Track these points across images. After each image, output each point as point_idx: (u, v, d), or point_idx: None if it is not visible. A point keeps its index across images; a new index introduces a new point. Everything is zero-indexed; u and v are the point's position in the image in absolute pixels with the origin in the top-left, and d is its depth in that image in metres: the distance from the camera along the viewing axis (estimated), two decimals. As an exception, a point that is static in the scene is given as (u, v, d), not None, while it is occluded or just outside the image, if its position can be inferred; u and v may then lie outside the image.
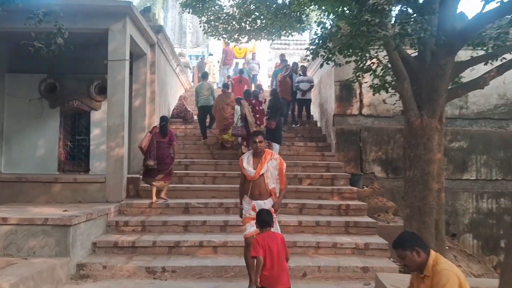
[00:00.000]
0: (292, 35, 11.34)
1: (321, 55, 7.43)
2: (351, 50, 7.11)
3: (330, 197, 8.43)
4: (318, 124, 12.49)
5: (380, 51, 7.52)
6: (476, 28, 6.35)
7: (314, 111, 12.81)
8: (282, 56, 13.45)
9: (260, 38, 11.05)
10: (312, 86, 11.99)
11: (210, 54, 21.63)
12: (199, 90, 11.46)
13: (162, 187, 8.21)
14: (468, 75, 7.18)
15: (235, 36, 10.86)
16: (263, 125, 9.83)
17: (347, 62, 7.36)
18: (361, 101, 10.42)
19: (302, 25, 11.04)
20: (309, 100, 12.15)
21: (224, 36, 10.94)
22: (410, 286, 3.48)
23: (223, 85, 11.21)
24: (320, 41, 7.30)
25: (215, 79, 18.39)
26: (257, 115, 9.84)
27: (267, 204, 5.19)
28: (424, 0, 6.42)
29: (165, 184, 8.23)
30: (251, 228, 5.14)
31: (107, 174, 8.17)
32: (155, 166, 8.05)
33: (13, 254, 5.92)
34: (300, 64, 12.85)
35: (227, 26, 10.65)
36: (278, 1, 10.46)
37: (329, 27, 7.43)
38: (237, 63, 18.97)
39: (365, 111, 10.41)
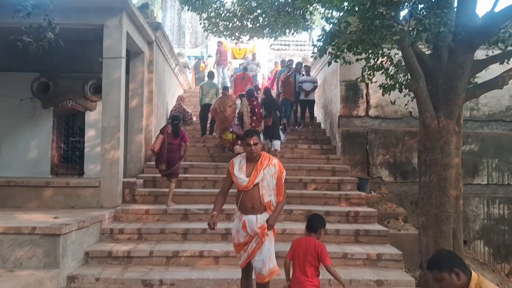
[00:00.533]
0: (296, 33, 10.90)
1: (329, 53, 7.00)
2: (360, 47, 6.67)
3: (337, 203, 7.98)
4: (322, 126, 12.06)
5: (390, 49, 7.14)
6: (500, 22, 5.91)
7: (318, 112, 12.38)
8: (283, 62, 12.98)
9: (262, 36, 10.61)
10: (315, 87, 11.57)
11: (210, 56, 21.22)
12: (205, 88, 11.45)
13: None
14: (480, 74, 6.78)
15: (237, 34, 10.43)
16: (258, 128, 9.44)
17: (357, 60, 6.93)
18: (367, 102, 10.00)
19: (306, 23, 10.59)
20: (313, 101, 11.72)
21: (225, 33, 10.50)
22: None
23: (223, 87, 10.77)
24: (328, 38, 6.86)
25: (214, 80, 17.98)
26: (254, 117, 9.51)
27: (260, 220, 4.34)
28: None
29: (172, 184, 7.89)
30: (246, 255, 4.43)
31: (102, 178, 7.72)
32: (167, 169, 7.89)
33: (-2, 265, 5.47)
34: (303, 64, 12.41)
35: (228, 23, 10.21)
36: (281, -2, 10.05)
37: (336, 22, 7.00)
38: (240, 64, 18.44)
39: (372, 112, 9.98)
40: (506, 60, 6.52)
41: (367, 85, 9.95)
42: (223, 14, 10.03)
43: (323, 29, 6.89)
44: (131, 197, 8.00)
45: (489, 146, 9.89)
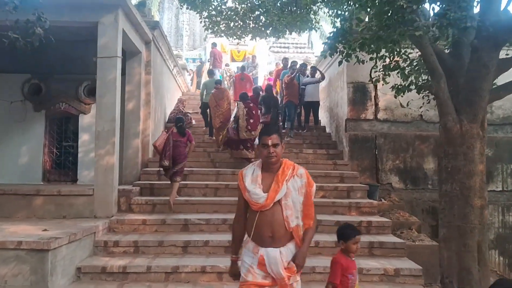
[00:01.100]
0: (302, 32, 10.44)
1: (340, 51, 6.53)
2: (374, 45, 6.19)
3: (347, 211, 7.48)
4: (327, 130, 11.57)
5: (406, 47, 6.67)
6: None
7: (322, 115, 11.89)
8: (285, 60, 12.49)
9: (265, 36, 10.14)
10: (318, 81, 10.98)
11: (209, 60, 20.69)
12: (208, 85, 11.41)
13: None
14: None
15: (238, 34, 9.95)
16: (255, 131, 9.03)
17: (371, 59, 6.44)
18: (376, 104, 9.52)
19: (310, 23, 10.13)
20: (317, 103, 11.22)
21: (227, 33, 10.01)
22: None
23: (216, 81, 10.32)
24: (339, 35, 6.39)
25: None
26: (251, 120, 9.09)
27: (285, 255, 3.16)
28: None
29: (176, 184, 7.63)
30: None
31: (96, 185, 7.20)
32: (171, 166, 7.59)
33: (-21, 284, 4.95)
34: (311, 65, 11.90)
35: (229, 22, 9.73)
36: (284, -4, 9.58)
37: (348, 18, 6.53)
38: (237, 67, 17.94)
39: (380, 115, 9.50)
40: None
41: (375, 87, 9.49)
42: (224, 13, 9.54)
43: (334, 25, 6.41)
44: (127, 206, 7.49)
45: (503, 150, 9.44)
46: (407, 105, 7.79)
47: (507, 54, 6.12)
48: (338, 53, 6.62)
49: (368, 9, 5.97)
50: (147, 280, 5.62)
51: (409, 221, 7.88)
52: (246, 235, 3.30)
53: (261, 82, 16.76)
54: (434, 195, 9.22)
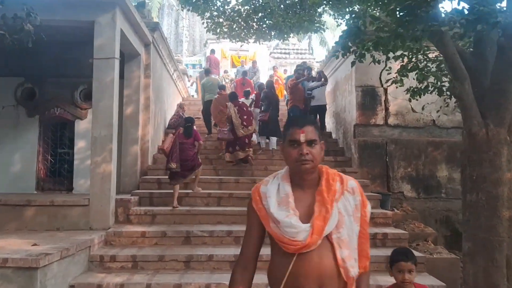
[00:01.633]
0: (309, 34, 10.04)
1: (353, 51, 6.11)
2: (391, 44, 5.77)
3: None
4: (333, 136, 11.13)
5: (423, 47, 6.25)
6: None
7: (328, 121, 11.44)
8: (298, 67, 12.06)
9: (269, 38, 9.73)
10: (323, 84, 10.55)
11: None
12: (206, 84, 11.46)
13: (193, 180, 7.78)
14: None
15: (242, 36, 9.54)
16: (251, 126, 8.93)
17: (387, 59, 6.02)
18: (386, 109, 9.09)
19: (317, 23, 9.73)
20: (325, 107, 10.77)
21: (230, 34, 9.60)
22: None
23: (219, 87, 9.88)
24: (353, 34, 5.98)
25: None
26: (244, 117, 8.85)
27: None
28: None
29: (197, 173, 7.70)
30: None
31: (91, 195, 6.75)
32: (178, 169, 7.36)
33: (-39, 306, 4.49)
34: (315, 70, 11.47)
35: (232, 23, 9.32)
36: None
37: (360, 12, 6.12)
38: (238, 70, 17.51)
39: (391, 120, 9.07)
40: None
41: (385, 90, 9.08)
42: (227, 13, 9.13)
43: (347, 23, 6.01)
44: (124, 217, 7.02)
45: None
46: (422, 109, 7.36)
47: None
48: (346, 55, 6.21)
49: (385, 5, 5.54)
50: (146, 299, 5.15)
51: (425, 232, 7.43)
52: None
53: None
54: (448, 204, 8.80)
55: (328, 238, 1.97)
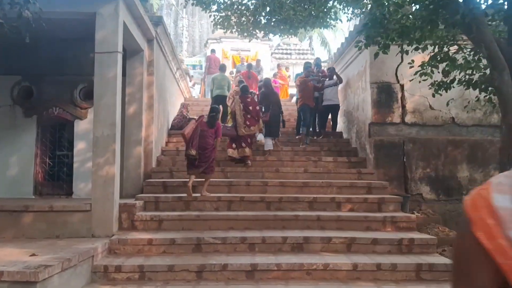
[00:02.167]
0: (320, 28, 9.60)
1: (377, 42, 5.66)
2: (418, 33, 5.33)
3: (382, 227, 6.56)
4: (345, 136, 10.67)
5: (450, 38, 5.81)
6: None
7: (339, 120, 10.96)
8: (306, 64, 11.59)
9: (278, 33, 9.27)
10: (337, 84, 10.09)
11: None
12: (216, 79, 11.15)
13: (203, 181, 7.32)
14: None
15: (250, 29, 9.08)
16: (254, 127, 8.60)
17: (416, 49, 5.56)
18: (403, 106, 8.63)
19: (331, 15, 9.28)
20: (337, 106, 10.30)
21: (238, 29, 9.14)
22: None
23: (242, 88, 9.31)
24: (377, 24, 5.52)
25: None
26: (249, 116, 8.47)
27: None
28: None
29: (207, 177, 7.28)
30: None
31: (93, 200, 6.27)
32: (197, 156, 7.06)
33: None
34: (328, 67, 10.99)
35: (240, 16, 8.86)
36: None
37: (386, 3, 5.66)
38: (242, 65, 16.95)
39: (408, 118, 8.61)
40: None
41: (402, 87, 8.63)
42: (235, 6, 8.66)
43: (370, 11, 5.56)
44: (129, 223, 6.54)
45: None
46: (447, 105, 6.88)
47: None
48: (375, 44, 5.76)
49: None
50: (156, 314, 4.67)
51: (450, 236, 6.95)
52: None
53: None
54: (469, 206, 8.31)
55: None
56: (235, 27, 9.13)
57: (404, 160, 8.37)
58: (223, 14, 9.04)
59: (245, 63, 16.05)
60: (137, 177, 8.00)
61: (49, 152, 8.73)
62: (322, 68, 11.40)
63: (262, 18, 8.96)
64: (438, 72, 6.19)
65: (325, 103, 10.18)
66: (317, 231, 6.32)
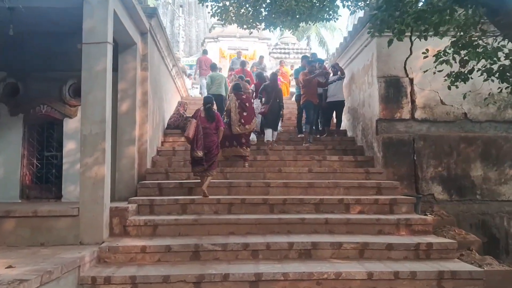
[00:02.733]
0: (325, 21, 9.11)
1: (391, 27, 5.17)
2: (437, 17, 4.84)
3: (396, 231, 6.06)
4: (349, 134, 10.18)
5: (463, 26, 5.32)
6: None
7: (343, 118, 10.45)
8: (305, 58, 11.08)
9: (280, 25, 8.76)
10: (340, 78, 9.59)
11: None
12: (213, 77, 11.09)
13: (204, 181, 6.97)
14: None
15: (250, 21, 8.56)
16: (249, 125, 8.23)
17: (435, 34, 5.07)
18: (412, 101, 8.15)
19: (332, 11, 8.80)
20: (342, 103, 9.79)
21: (238, 20, 8.62)
22: None
23: (235, 86, 8.85)
24: (391, 7, 5.03)
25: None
26: (244, 113, 8.12)
27: None
28: None
29: (209, 177, 6.96)
30: None
31: (81, 203, 5.75)
32: (203, 157, 6.82)
33: None
34: (334, 62, 10.47)
35: (239, 8, 8.35)
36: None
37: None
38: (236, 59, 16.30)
39: (418, 114, 8.13)
40: None
41: (411, 81, 8.16)
42: (234, -3, 8.15)
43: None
44: (121, 228, 6.02)
45: None
46: (464, 98, 6.38)
47: None
48: (370, 35, 5.28)
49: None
50: (150, 331, 4.15)
51: (467, 240, 6.48)
52: None
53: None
54: (483, 207, 7.87)
55: None
56: (234, 18, 8.63)
57: (415, 158, 7.89)
58: (221, 4, 8.51)
59: (241, 59, 15.34)
60: (130, 179, 7.48)
61: (37, 153, 8.18)
62: (325, 64, 10.87)
63: (262, 9, 8.43)
64: (455, 62, 5.71)
65: (329, 99, 9.68)
66: (325, 236, 5.81)
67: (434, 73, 5.99)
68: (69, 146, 7.95)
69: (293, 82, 16.89)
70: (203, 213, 6.51)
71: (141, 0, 8.10)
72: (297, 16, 8.24)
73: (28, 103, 7.97)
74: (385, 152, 7.92)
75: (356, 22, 9.60)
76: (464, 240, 6.43)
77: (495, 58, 5.04)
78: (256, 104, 9.55)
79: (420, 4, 5.10)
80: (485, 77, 5.38)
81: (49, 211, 5.83)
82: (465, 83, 5.70)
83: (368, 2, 9.75)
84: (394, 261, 5.29)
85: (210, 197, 6.73)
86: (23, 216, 5.77)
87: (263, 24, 8.76)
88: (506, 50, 5.13)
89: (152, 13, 8.02)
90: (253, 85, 10.87)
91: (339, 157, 8.46)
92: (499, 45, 5.00)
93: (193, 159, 6.95)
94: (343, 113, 10.25)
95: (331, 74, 9.97)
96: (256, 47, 23.13)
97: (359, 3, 10.09)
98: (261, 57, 16.01)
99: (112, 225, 6.00)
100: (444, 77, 6.02)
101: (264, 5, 8.50)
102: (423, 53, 5.79)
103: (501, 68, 5.11)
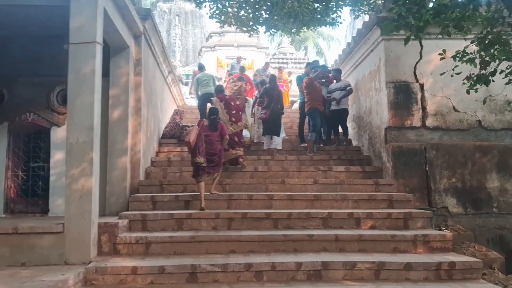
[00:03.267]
0: (328, 26, 8.71)
1: (410, 26, 4.70)
2: (458, 13, 4.38)
3: (412, 248, 5.52)
4: (354, 143, 9.68)
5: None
6: None
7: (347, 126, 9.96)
8: (309, 64, 10.62)
9: (280, 28, 8.31)
10: (349, 91, 9.17)
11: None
12: (200, 78, 11.03)
13: (210, 181, 6.86)
14: None
15: (250, 24, 8.11)
16: (240, 122, 8.10)
17: (459, 30, 4.60)
18: (423, 108, 7.68)
19: (334, 14, 8.39)
20: (346, 111, 9.29)
21: (237, 23, 8.18)
22: None
23: (217, 89, 8.54)
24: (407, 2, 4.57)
25: None
26: (233, 112, 7.95)
27: None
28: None
29: (215, 176, 6.88)
30: None
31: (67, 219, 5.23)
32: (205, 164, 6.59)
33: None
34: (333, 67, 10.07)
35: (239, 11, 7.90)
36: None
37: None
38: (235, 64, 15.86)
39: (430, 122, 7.65)
40: None
41: (421, 86, 7.70)
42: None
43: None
44: (110, 246, 5.46)
45: None
46: (484, 102, 5.90)
47: None
48: (385, 31, 4.82)
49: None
50: None
51: (489, 257, 5.96)
52: None
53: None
54: (501, 220, 7.36)
55: None
56: (233, 21, 8.17)
57: (427, 169, 7.39)
58: (219, 5, 8.06)
59: (240, 64, 14.90)
60: (122, 192, 6.94)
61: (22, 164, 7.66)
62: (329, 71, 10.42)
63: (263, 12, 8.00)
64: (470, 65, 5.25)
65: (333, 107, 9.19)
66: (336, 254, 5.27)
67: (452, 76, 5.53)
68: (57, 156, 7.43)
69: (294, 91, 16.46)
70: (200, 229, 5.96)
71: (134, 2, 7.65)
72: (301, 19, 7.76)
73: (14, 111, 7.51)
74: (395, 162, 7.41)
75: (354, 34, 9.29)
76: (485, 257, 5.89)
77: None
78: (257, 109, 9.23)
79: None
80: (510, 79, 4.90)
81: (31, 227, 5.28)
82: (487, 86, 5.24)
83: (372, 6, 9.37)
84: (414, 282, 4.76)
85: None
86: (2, 233, 5.23)
87: (264, 27, 8.28)
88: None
89: (146, 15, 7.55)
90: (256, 92, 10.44)
91: (346, 168, 7.95)
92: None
93: (196, 166, 6.65)
94: (347, 122, 9.76)
95: (334, 81, 9.52)
96: (254, 56, 22.78)
97: (364, 8, 9.70)
98: (267, 64, 15.52)
99: (100, 242, 5.45)
100: (463, 80, 5.56)
101: (264, 7, 8.05)
102: (440, 54, 5.32)
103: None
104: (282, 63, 27.49)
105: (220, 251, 5.46)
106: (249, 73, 16.13)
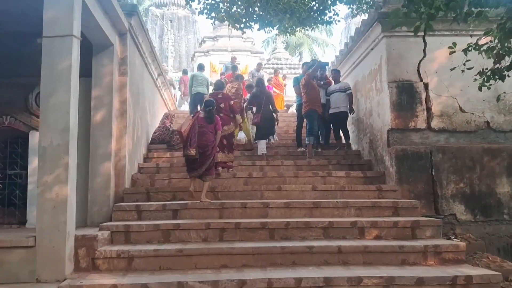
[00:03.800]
0: (325, 25, 8.28)
1: (419, 14, 4.24)
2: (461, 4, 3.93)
3: (423, 260, 5.02)
4: (354, 147, 9.20)
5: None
6: None
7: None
8: (305, 64, 10.14)
9: (276, 25, 7.84)
10: (350, 94, 8.74)
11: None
12: (197, 77, 11.41)
13: (201, 188, 6.43)
14: None
15: (243, 21, 7.64)
16: (228, 125, 7.58)
17: (478, 16, 4.13)
18: (428, 109, 7.21)
19: (333, 14, 7.96)
20: (345, 114, 8.82)
21: (229, 20, 7.70)
22: None
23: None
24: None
25: None
26: (221, 114, 7.49)
27: None
28: None
29: (207, 180, 6.45)
30: None
31: (39, 231, 4.68)
32: (197, 156, 6.27)
33: None
34: (331, 68, 9.62)
35: (231, 6, 7.43)
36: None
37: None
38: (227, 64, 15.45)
39: (435, 123, 7.18)
40: None
41: (426, 86, 7.24)
42: (224, -7, 7.25)
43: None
44: (88, 261, 4.91)
45: None
46: (497, 99, 5.43)
47: None
48: (393, 24, 4.36)
49: None
50: None
51: (504, 268, 5.43)
52: None
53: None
54: (512, 228, 6.87)
55: None
56: (225, 17, 7.70)
57: (433, 173, 6.91)
58: (210, 0, 7.57)
59: (255, 71, 14.50)
60: (105, 201, 6.40)
61: (-1, 171, 7.13)
62: (327, 71, 9.97)
63: (257, 8, 7.52)
64: (483, 57, 4.80)
65: (331, 110, 8.73)
66: (339, 268, 4.75)
67: (463, 71, 5.07)
68: (35, 163, 6.83)
69: (289, 96, 16.05)
70: (189, 241, 5.42)
71: (119, -3, 7.15)
72: (297, 15, 7.29)
73: (-12, 114, 6.96)
74: (399, 166, 6.93)
75: (348, 40, 8.90)
76: (500, 268, 5.38)
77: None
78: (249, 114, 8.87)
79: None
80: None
81: (-1, 241, 4.74)
82: (502, 81, 4.79)
83: (371, 3, 8.96)
84: (428, 300, 4.25)
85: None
86: (-33, 248, 4.68)
87: (258, 24, 7.80)
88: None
89: (132, 10, 7.05)
90: (246, 97, 9.96)
91: (346, 173, 7.46)
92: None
93: (187, 160, 6.44)
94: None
95: (333, 83, 9.07)
96: (248, 61, 22.37)
97: (362, 6, 9.30)
98: (259, 64, 15.07)
99: (77, 257, 4.90)
100: (475, 76, 5.11)
101: (258, 4, 7.58)
102: (450, 47, 4.87)
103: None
104: (278, 68, 27.18)
105: (211, 265, 4.93)
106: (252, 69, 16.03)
